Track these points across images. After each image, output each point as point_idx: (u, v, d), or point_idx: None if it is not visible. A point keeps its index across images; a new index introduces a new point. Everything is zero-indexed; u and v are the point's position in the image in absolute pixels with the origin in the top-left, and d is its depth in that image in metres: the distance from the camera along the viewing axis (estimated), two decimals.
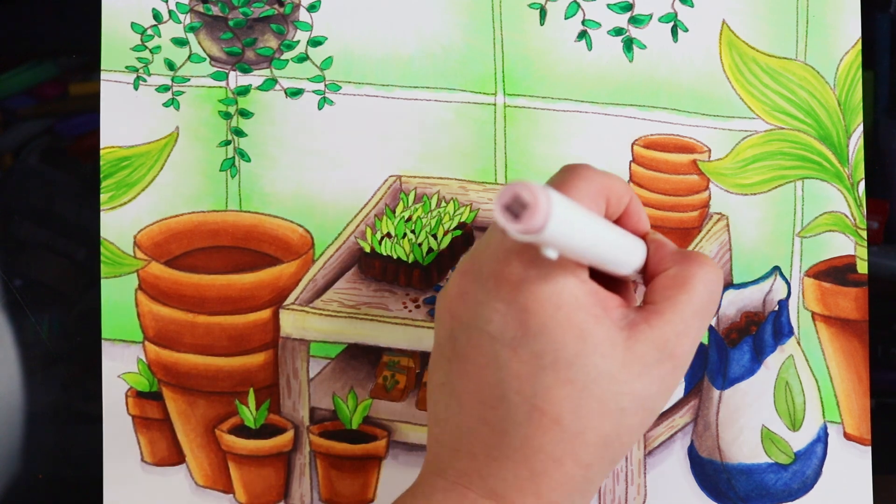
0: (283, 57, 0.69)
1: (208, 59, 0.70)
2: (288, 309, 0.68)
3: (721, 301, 0.68)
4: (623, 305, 0.55)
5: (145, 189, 0.69)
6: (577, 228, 0.49)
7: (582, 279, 0.53)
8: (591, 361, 0.53)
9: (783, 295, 0.68)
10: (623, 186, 0.57)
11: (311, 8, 0.69)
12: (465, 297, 0.54)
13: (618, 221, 0.58)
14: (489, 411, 0.54)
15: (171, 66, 0.69)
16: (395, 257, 0.69)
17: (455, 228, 0.69)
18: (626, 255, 0.56)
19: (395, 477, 0.68)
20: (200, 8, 0.69)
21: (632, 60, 0.69)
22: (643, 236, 0.58)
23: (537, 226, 0.45)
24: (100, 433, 0.68)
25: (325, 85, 0.69)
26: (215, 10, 0.69)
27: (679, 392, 0.69)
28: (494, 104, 0.69)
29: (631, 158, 0.69)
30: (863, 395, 0.68)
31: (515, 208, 0.45)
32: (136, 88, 0.69)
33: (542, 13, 0.69)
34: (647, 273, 0.57)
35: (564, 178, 0.55)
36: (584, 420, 0.53)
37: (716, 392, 0.68)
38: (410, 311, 0.68)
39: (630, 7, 0.69)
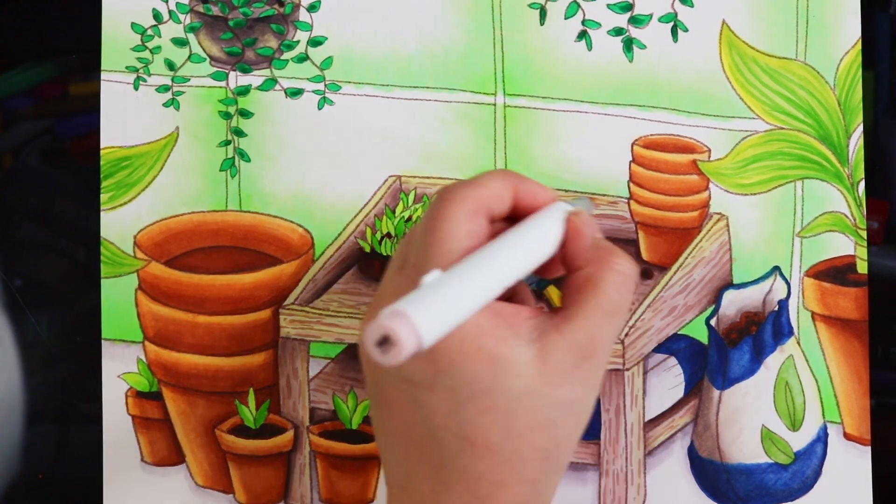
0: (283, 57, 0.69)
1: (208, 60, 0.70)
2: (288, 309, 0.68)
3: (721, 301, 0.68)
4: (531, 315, 0.54)
5: (145, 189, 0.69)
6: (460, 305, 0.50)
7: None
8: (508, 383, 0.52)
9: (783, 295, 0.68)
10: (499, 182, 0.56)
11: (311, 8, 0.69)
12: None
13: (516, 209, 0.57)
14: (423, 449, 0.53)
15: (171, 66, 0.69)
16: None
17: None
18: (525, 264, 0.55)
19: None
20: (200, 8, 0.69)
21: (632, 60, 0.69)
22: (551, 200, 0.57)
23: (405, 355, 0.46)
24: (100, 433, 0.68)
25: (325, 85, 0.69)
26: (215, 10, 0.69)
27: (679, 392, 0.69)
28: (494, 104, 0.69)
29: (631, 158, 0.68)
30: (863, 395, 0.68)
31: (385, 341, 0.46)
32: (136, 88, 0.69)
33: (542, 13, 0.69)
34: (566, 264, 0.56)
35: (433, 225, 0.54)
36: (515, 440, 0.53)
37: (716, 392, 0.68)
38: None
39: (630, 7, 0.69)
